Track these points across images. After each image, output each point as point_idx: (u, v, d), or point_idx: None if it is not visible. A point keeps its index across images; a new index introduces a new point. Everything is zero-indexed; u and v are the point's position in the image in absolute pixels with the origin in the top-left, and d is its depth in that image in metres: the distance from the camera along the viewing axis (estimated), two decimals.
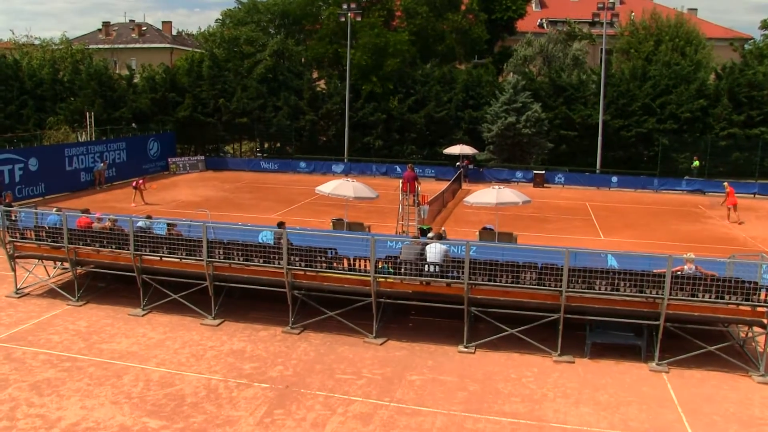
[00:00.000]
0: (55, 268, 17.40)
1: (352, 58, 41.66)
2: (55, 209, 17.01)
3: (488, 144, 40.21)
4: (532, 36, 49.74)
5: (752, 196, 34.89)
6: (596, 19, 39.58)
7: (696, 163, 36.99)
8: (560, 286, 12.41)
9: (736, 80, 38.74)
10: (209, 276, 14.18)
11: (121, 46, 69.26)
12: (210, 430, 9.89)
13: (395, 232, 22.26)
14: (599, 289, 12.41)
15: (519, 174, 38.82)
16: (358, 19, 41.62)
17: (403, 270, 13.27)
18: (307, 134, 43.43)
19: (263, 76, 43.65)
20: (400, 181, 24.57)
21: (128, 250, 14.55)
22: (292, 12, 50.19)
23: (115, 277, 16.19)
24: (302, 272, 13.74)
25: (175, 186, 34.97)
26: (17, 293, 15.98)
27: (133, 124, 40.84)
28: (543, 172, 38.20)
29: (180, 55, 62.46)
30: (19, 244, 15.86)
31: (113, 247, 14.85)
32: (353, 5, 40.96)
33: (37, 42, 56.74)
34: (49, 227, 15.67)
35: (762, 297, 12.07)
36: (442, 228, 21.53)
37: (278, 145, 45.22)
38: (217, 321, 14.33)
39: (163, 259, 14.79)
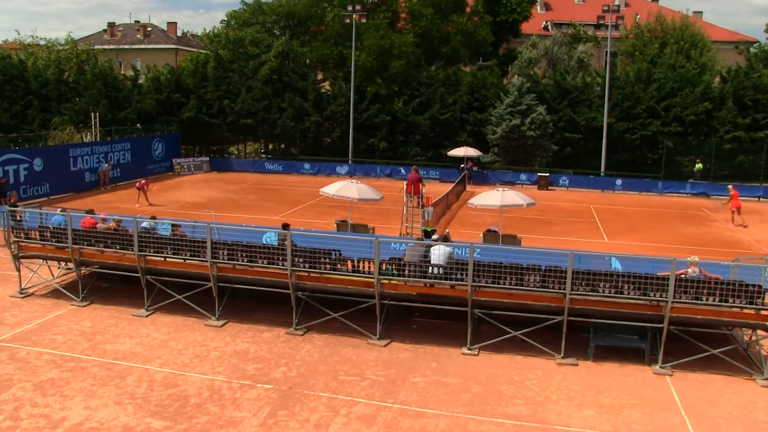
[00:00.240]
0: (59, 268, 17.42)
1: (357, 59, 41.71)
2: (59, 209, 17.07)
3: (493, 146, 40.18)
4: (537, 38, 49.79)
5: (756, 199, 34.83)
6: (601, 22, 39.46)
7: (699, 165, 36.90)
8: (564, 289, 12.40)
9: (741, 83, 38.64)
10: (213, 277, 14.21)
11: (126, 46, 69.51)
12: (213, 431, 9.91)
13: (399, 233, 22.27)
14: (603, 291, 12.39)
15: (523, 176, 38.80)
16: (363, 20, 41.70)
17: (407, 272, 13.29)
18: (311, 136, 43.46)
19: (268, 77, 43.70)
20: (405, 182, 24.55)
21: (132, 250, 14.58)
22: (297, 13, 50.32)
23: (119, 278, 16.21)
24: (306, 273, 13.75)
25: (180, 187, 35.04)
26: (21, 293, 16.02)
27: (138, 125, 40.95)
28: (547, 174, 38.16)
29: (185, 55, 62.64)
30: (23, 244, 15.90)
31: (117, 247, 14.88)
32: (358, 7, 41.01)
33: (42, 42, 56.94)
34: (53, 227, 15.74)
35: (766, 300, 12.04)
36: (446, 230, 21.56)
37: (283, 146, 45.26)
38: (221, 322, 14.35)
39: (167, 259, 14.82)
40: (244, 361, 12.48)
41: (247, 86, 43.25)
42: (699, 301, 12.13)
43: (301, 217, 26.14)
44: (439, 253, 13.15)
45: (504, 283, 12.71)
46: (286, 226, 14.89)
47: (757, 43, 52.07)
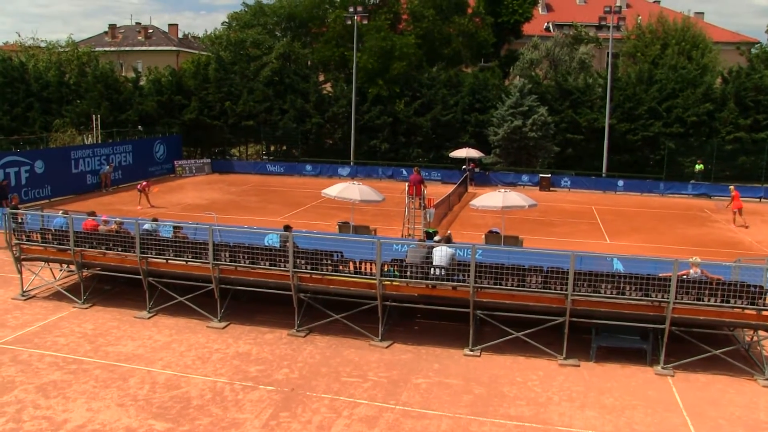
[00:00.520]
0: (61, 270, 17.47)
1: (359, 61, 41.75)
2: (61, 212, 17.08)
3: (494, 147, 40.16)
4: (539, 39, 49.71)
5: (758, 200, 34.77)
6: (603, 23, 39.48)
7: (700, 166, 36.85)
8: (566, 290, 12.41)
9: (743, 84, 38.62)
10: (215, 279, 14.22)
11: (127, 48, 69.52)
12: None
13: (401, 235, 22.28)
14: (605, 292, 12.40)
15: (525, 177, 38.78)
16: (365, 22, 41.69)
17: (408, 273, 13.30)
18: (313, 137, 43.49)
19: (269, 78, 43.72)
20: (406, 184, 24.58)
21: (134, 252, 14.60)
22: (299, 15, 50.32)
23: (121, 280, 16.22)
24: (308, 275, 13.76)
25: (181, 189, 35.06)
26: (23, 295, 16.05)
27: (140, 127, 40.97)
28: (549, 175, 38.14)
29: (186, 57, 62.66)
30: (25, 246, 15.93)
31: (119, 249, 14.90)
32: (360, 8, 41.08)
33: (43, 44, 56.95)
34: (55, 230, 15.76)
35: (767, 301, 12.03)
36: (448, 231, 21.55)
37: (284, 148, 45.28)
38: (223, 324, 14.36)
39: (169, 261, 14.83)
40: (246, 362, 12.49)
41: (248, 88, 43.29)
42: (701, 302, 12.13)
43: (303, 219, 26.17)
44: (441, 254, 13.17)
45: (506, 285, 12.72)
46: (288, 228, 14.92)
47: (759, 44, 51.98)
